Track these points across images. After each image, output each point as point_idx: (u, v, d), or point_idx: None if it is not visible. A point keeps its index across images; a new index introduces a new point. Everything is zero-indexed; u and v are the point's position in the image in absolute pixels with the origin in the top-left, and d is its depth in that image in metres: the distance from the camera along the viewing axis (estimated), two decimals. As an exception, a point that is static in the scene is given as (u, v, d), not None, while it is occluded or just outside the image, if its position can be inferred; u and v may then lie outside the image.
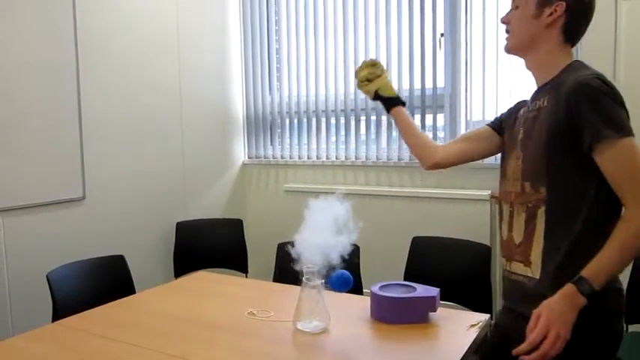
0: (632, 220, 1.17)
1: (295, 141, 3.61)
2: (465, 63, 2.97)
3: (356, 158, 3.35)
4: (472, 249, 2.28)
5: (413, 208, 3.08)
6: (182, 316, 1.70)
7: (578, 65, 1.30)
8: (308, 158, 3.55)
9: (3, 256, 2.36)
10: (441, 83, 3.04)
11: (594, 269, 1.15)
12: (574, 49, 1.39)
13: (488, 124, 1.57)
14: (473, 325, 1.54)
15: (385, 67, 1.70)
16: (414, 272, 2.30)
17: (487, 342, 1.51)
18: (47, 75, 2.51)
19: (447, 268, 2.26)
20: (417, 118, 3.10)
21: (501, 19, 1.42)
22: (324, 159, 3.48)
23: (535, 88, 1.41)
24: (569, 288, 1.16)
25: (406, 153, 3.17)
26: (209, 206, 3.49)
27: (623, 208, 1.20)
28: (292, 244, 1.55)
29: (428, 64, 3.06)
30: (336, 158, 3.43)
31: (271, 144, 3.74)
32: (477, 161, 3.04)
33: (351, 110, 3.35)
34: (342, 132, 3.40)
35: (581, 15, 1.31)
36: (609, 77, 1.23)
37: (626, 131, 1.17)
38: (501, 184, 1.46)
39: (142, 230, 3.02)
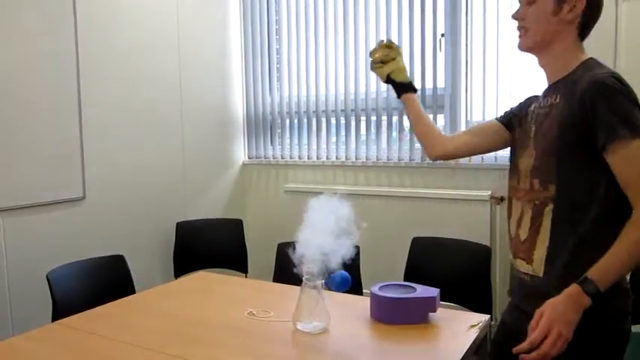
0: None
1: (295, 141, 3.60)
2: (465, 63, 2.97)
3: (356, 158, 3.35)
4: (472, 249, 2.28)
5: (413, 208, 3.08)
6: (182, 316, 1.70)
7: (593, 63, 1.28)
8: (308, 158, 3.55)
9: (3, 256, 2.36)
10: (441, 83, 3.04)
11: (600, 270, 1.14)
12: None
13: (497, 119, 1.53)
14: (473, 326, 1.54)
15: (401, 50, 1.66)
16: (414, 272, 2.30)
17: (493, 340, 1.51)
18: (47, 72, 2.51)
19: (447, 269, 2.26)
20: (417, 118, 3.09)
21: (512, 16, 1.37)
22: (324, 159, 3.48)
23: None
24: (574, 288, 1.15)
25: (406, 153, 3.17)
26: (209, 206, 3.49)
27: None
28: (293, 246, 1.55)
29: (428, 65, 3.05)
30: (336, 158, 3.43)
31: (271, 144, 3.74)
32: (477, 162, 3.04)
33: (351, 110, 3.35)
34: (342, 132, 3.40)
35: (597, 10, 1.30)
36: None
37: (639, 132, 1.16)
38: (511, 180, 1.43)
39: (142, 230, 3.02)
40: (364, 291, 2.28)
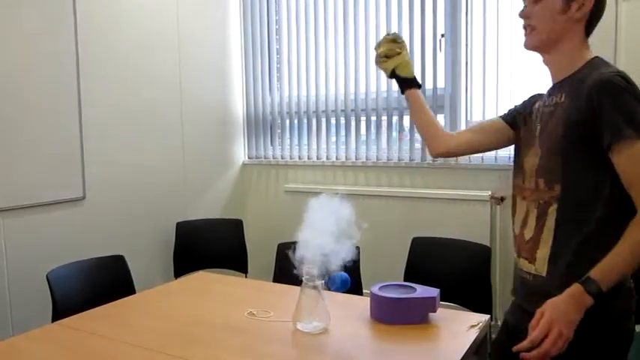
0: None
1: (295, 141, 3.60)
2: (465, 63, 2.97)
3: (356, 158, 3.35)
4: (472, 249, 2.28)
5: (413, 208, 3.08)
6: (182, 316, 1.70)
7: (599, 62, 1.28)
8: (308, 158, 3.55)
9: (3, 256, 2.36)
10: (441, 84, 3.04)
11: (603, 270, 1.14)
12: None
13: (500, 117, 1.52)
14: (473, 326, 1.54)
15: (406, 43, 1.62)
16: (414, 273, 2.30)
17: (495, 339, 1.50)
18: (47, 72, 2.51)
19: (447, 269, 2.26)
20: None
21: (519, 14, 1.36)
22: (324, 159, 3.48)
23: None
24: (576, 288, 1.15)
25: (406, 153, 3.17)
26: (209, 206, 3.49)
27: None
28: (293, 248, 1.54)
29: (428, 65, 3.05)
30: (336, 158, 3.43)
31: (271, 144, 3.74)
32: (477, 162, 3.04)
33: (351, 110, 3.35)
34: (342, 132, 3.40)
35: (602, 8, 1.30)
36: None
37: None
38: (516, 179, 1.42)
39: (142, 230, 3.02)
40: (364, 291, 2.28)
